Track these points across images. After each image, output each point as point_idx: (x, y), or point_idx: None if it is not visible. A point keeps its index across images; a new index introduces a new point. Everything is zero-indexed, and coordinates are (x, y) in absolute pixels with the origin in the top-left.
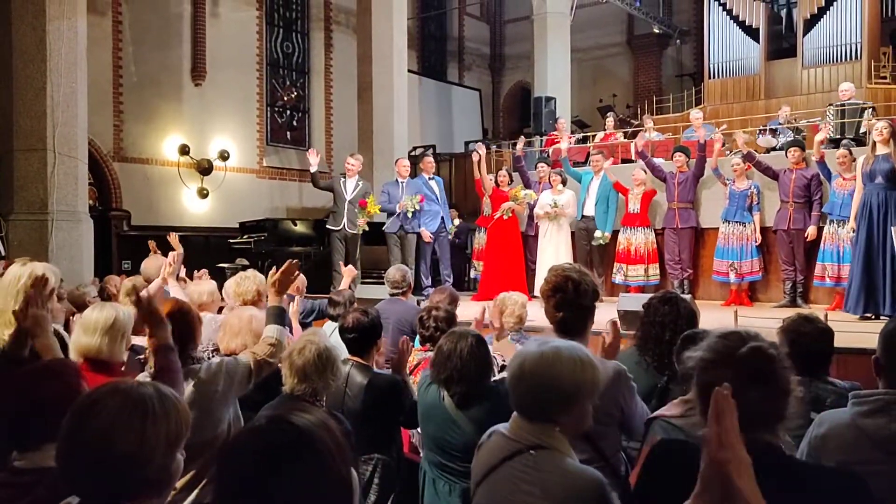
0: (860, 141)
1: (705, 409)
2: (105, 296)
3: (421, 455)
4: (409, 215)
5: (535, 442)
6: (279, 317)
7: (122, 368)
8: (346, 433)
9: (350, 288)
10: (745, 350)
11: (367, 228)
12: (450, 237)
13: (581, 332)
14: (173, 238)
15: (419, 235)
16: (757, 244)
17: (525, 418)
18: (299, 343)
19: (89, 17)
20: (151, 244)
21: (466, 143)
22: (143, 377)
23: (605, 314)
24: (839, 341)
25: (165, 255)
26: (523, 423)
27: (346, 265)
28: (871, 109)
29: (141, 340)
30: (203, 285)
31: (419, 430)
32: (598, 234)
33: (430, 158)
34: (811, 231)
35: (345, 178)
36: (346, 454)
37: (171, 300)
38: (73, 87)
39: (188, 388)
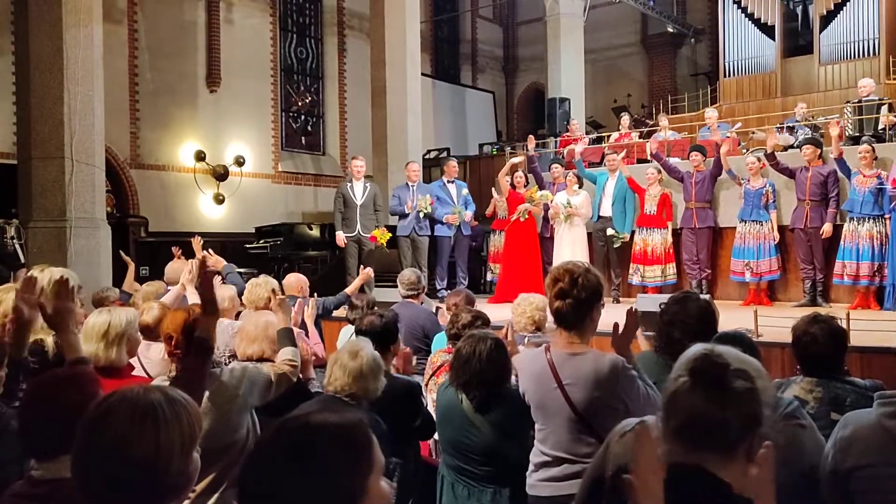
0: (880, 137)
1: None
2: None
3: (439, 459)
4: (422, 216)
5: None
6: (290, 339)
7: (133, 372)
8: (381, 435)
9: (366, 290)
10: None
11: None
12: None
13: (577, 325)
14: (196, 243)
15: (430, 238)
16: (775, 243)
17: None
18: (350, 347)
19: (105, 25)
20: (175, 250)
21: (481, 146)
22: (161, 381)
23: (622, 315)
24: (862, 340)
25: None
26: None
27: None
28: (888, 105)
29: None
30: (221, 291)
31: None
32: (609, 230)
33: (453, 162)
34: (826, 228)
35: (352, 182)
36: (357, 461)
37: (184, 308)
38: (89, 96)
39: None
